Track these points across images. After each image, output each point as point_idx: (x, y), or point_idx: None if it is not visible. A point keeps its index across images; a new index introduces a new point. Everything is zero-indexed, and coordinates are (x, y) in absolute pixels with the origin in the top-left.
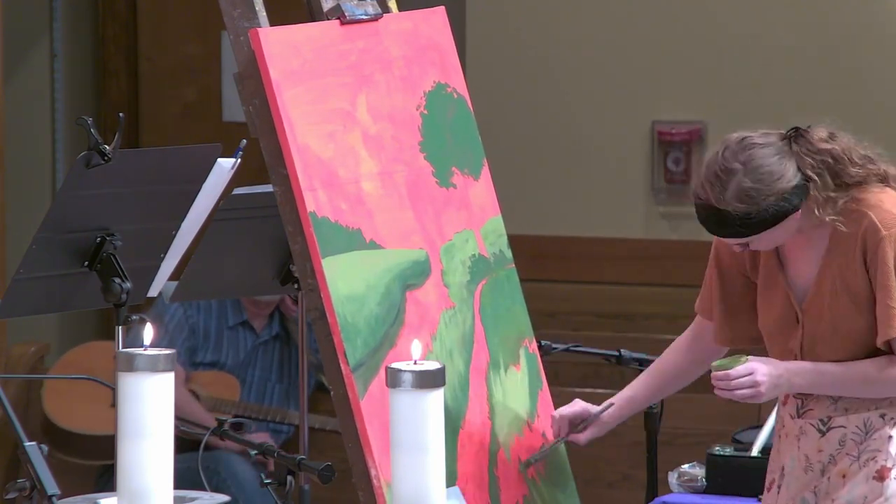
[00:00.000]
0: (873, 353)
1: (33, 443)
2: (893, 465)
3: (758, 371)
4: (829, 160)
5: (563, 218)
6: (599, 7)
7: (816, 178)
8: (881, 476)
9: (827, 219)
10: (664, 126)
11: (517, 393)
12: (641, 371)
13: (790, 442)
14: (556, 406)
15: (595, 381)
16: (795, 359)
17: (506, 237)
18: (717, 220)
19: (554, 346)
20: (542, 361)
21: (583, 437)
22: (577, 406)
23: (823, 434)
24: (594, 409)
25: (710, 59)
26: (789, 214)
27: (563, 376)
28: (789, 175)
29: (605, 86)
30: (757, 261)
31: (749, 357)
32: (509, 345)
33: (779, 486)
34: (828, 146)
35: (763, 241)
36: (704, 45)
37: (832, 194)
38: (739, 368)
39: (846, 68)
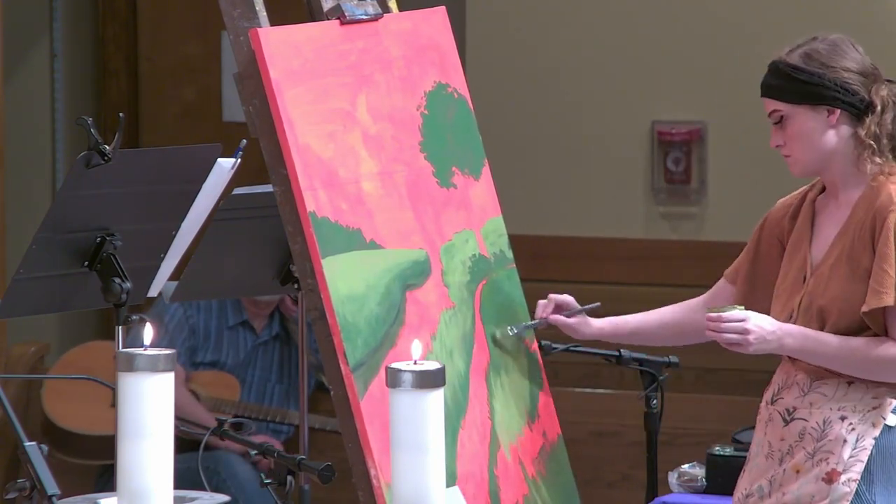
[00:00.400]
0: (859, 327)
1: (33, 443)
2: (844, 470)
3: (750, 320)
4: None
5: (563, 218)
6: (599, 7)
7: (879, 108)
8: (830, 479)
9: (865, 160)
10: (664, 126)
11: (517, 393)
12: (642, 371)
13: (760, 427)
14: (557, 406)
15: (595, 381)
16: (791, 317)
17: (506, 237)
18: (774, 70)
19: (554, 346)
20: (542, 361)
21: (565, 321)
22: (568, 297)
23: (786, 423)
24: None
25: (710, 59)
26: (829, 103)
27: (563, 376)
28: (856, 68)
29: (605, 86)
30: (793, 229)
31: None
32: (509, 345)
33: (744, 472)
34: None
35: (793, 127)
36: (704, 45)
37: (884, 138)
38: (734, 313)
39: None
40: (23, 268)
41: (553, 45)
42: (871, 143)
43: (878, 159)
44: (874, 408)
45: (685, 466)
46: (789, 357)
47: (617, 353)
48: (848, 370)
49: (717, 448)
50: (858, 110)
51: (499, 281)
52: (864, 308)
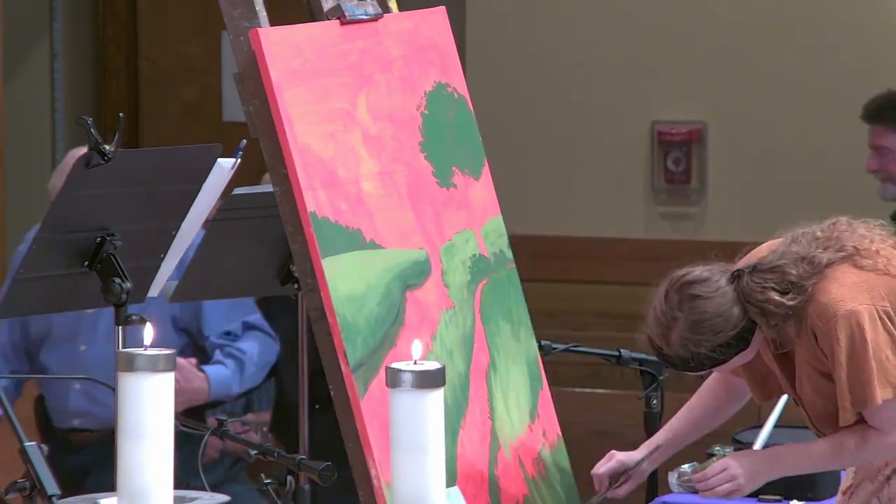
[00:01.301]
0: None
1: (33, 443)
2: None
3: (731, 466)
4: (773, 297)
5: (564, 218)
6: (599, 7)
7: (762, 320)
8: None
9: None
10: (664, 126)
11: (517, 393)
12: (642, 371)
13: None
14: (557, 406)
15: (595, 381)
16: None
17: (506, 237)
18: (667, 362)
19: (554, 346)
20: (542, 361)
21: (622, 491)
22: (614, 461)
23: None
24: (632, 459)
25: (710, 59)
26: (737, 353)
27: (563, 376)
28: (731, 325)
29: (605, 86)
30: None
31: (719, 456)
32: (509, 345)
33: (852, 493)
34: (771, 283)
35: (725, 368)
36: (704, 45)
37: (782, 323)
38: (713, 467)
39: (847, 69)
40: (23, 268)
41: (553, 45)
42: (776, 333)
43: (791, 320)
44: None
45: (685, 466)
46: None
47: (617, 353)
48: (841, 465)
49: (717, 448)
50: (751, 331)
51: (499, 281)
52: (841, 424)
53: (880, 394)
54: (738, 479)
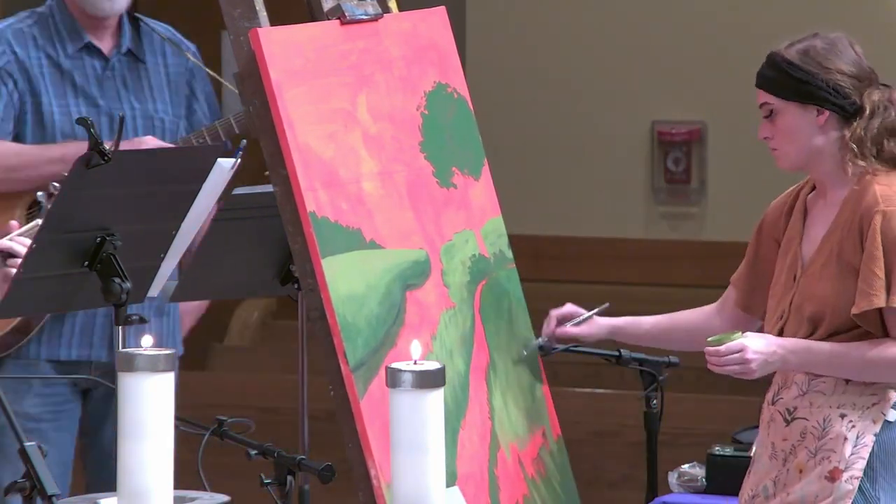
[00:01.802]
0: (847, 326)
1: (33, 443)
2: (846, 468)
3: (748, 349)
4: (892, 114)
5: (563, 218)
6: (599, 7)
7: (868, 113)
8: (833, 477)
9: (848, 162)
10: (664, 126)
11: (517, 393)
12: (642, 371)
13: (763, 428)
14: (557, 406)
15: (595, 381)
16: (783, 318)
17: (506, 237)
18: (770, 62)
19: (554, 346)
20: (542, 361)
21: (573, 331)
22: (568, 308)
23: (788, 423)
24: (584, 311)
25: (710, 59)
26: (820, 103)
27: (562, 376)
28: (851, 71)
29: (605, 86)
30: (787, 227)
31: (744, 333)
32: (509, 345)
33: (750, 473)
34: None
35: (782, 123)
36: (704, 45)
37: (868, 142)
38: (730, 345)
39: None
40: (23, 268)
41: (553, 46)
42: (854, 146)
43: (860, 162)
44: (874, 404)
45: (685, 466)
46: None
47: (617, 353)
48: (852, 375)
49: (717, 448)
50: (848, 113)
51: (499, 281)
52: (855, 310)
53: None
54: (751, 363)
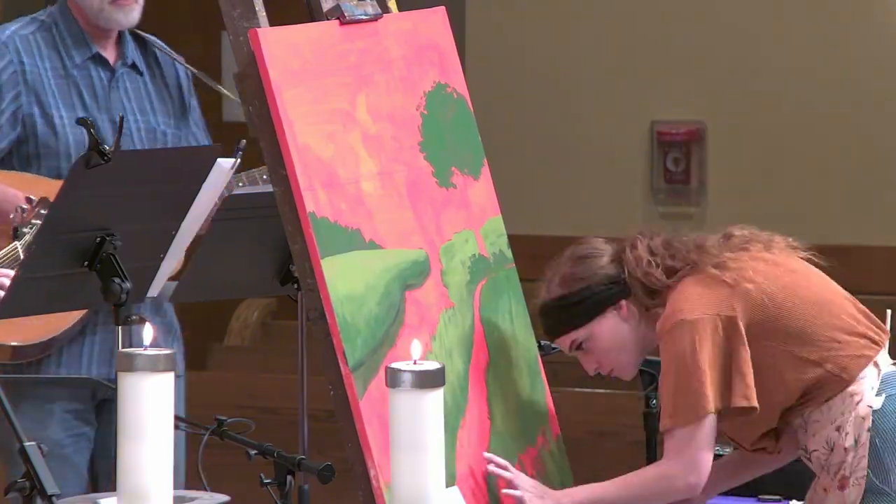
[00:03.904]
0: (773, 419)
1: (33, 443)
2: (850, 474)
3: (525, 485)
4: (642, 255)
5: (563, 218)
6: (599, 7)
7: (630, 272)
8: (842, 485)
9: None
10: (664, 126)
11: (517, 393)
12: (641, 371)
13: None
14: (557, 406)
15: (595, 381)
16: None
17: (506, 237)
18: (548, 313)
19: (554, 346)
20: (542, 361)
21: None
22: None
23: (809, 460)
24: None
25: (710, 59)
26: (606, 305)
27: (563, 376)
28: (604, 262)
29: (605, 86)
30: None
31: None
32: (509, 345)
33: None
34: (638, 253)
35: (597, 343)
36: (704, 45)
37: (649, 302)
38: (500, 464)
39: (847, 67)
40: (23, 268)
41: (553, 46)
42: (646, 297)
43: (654, 300)
44: (857, 402)
45: None
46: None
47: None
48: (632, 500)
49: (717, 448)
50: (630, 288)
51: (498, 281)
52: (662, 429)
53: (664, 422)
54: (526, 493)
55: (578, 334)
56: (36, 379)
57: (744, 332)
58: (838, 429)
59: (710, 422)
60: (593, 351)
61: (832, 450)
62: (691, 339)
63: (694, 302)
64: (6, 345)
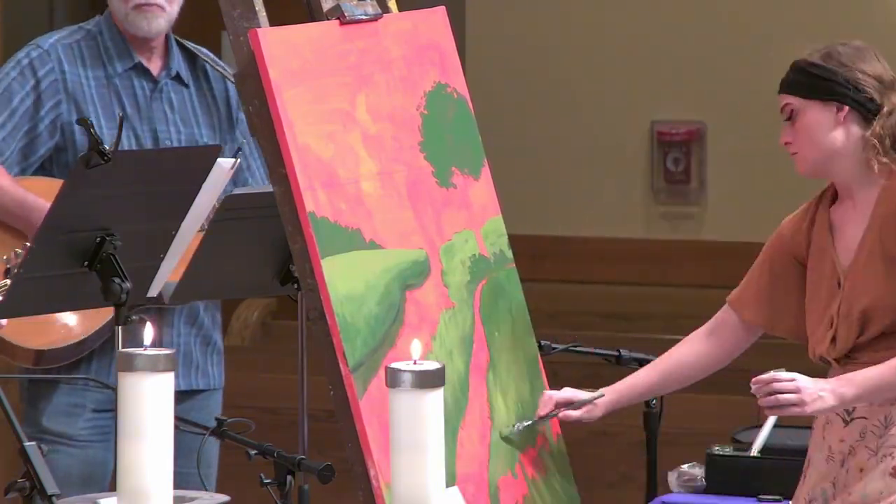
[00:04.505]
0: None
1: (33, 443)
2: None
3: (800, 378)
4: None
5: (563, 218)
6: (599, 8)
7: (887, 112)
8: None
9: (872, 159)
10: (664, 126)
11: (517, 393)
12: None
13: (818, 433)
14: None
15: (595, 381)
16: (832, 326)
17: (506, 237)
18: (792, 68)
19: (554, 346)
20: (542, 361)
21: (575, 414)
22: (567, 392)
23: (847, 423)
24: (583, 393)
25: (710, 59)
26: (840, 99)
27: (563, 376)
28: (872, 72)
29: (605, 86)
30: (812, 241)
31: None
32: (509, 345)
33: (804, 477)
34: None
35: (803, 123)
36: (704, 45)
37: (887, 138)
38: (783, 374)
39: None
40: (23, 268)
41: (553, 46)
42: (875, 142)
43: (883, 158)
44: None
45: (685, 466)
46: (837, 360)
47: (617, 353)
48: None
49: (717, 448)
50: (869, 112)
51: (499, 281)
52: None
53: None
54: (804, 395)
55: (796, 102)
56: (36, 379)
57: None
58: None
59: None
60: (796, 127)
61: (887, 430)
62: None
63: None
64: (29, 348)
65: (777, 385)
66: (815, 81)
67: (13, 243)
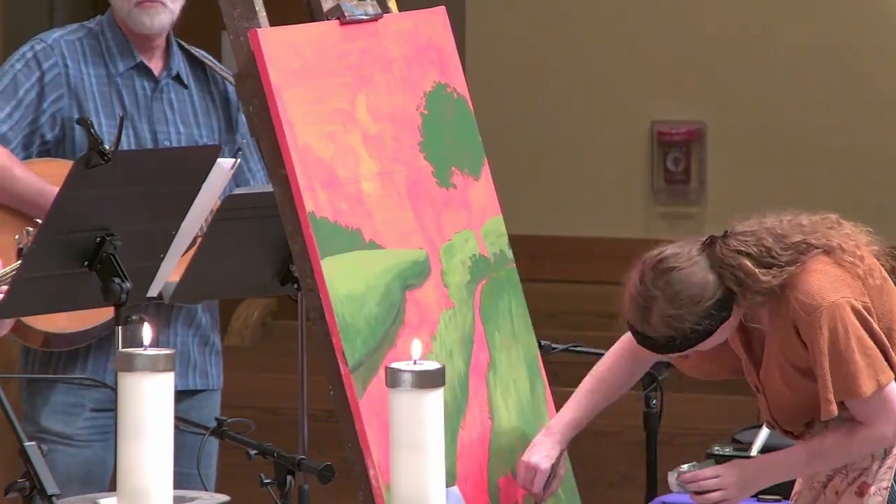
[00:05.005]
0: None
1: (33, 443)
2: (872, 482)
3: (723, 474)
4: (746, 264)
5: (563, 218)
6: (599, 8)
7: (737, 289)
8: (861, 492)
9: (758, 299)
10: (664, 126)
11: (517, 393)
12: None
13: None
14: (557, 406)
15: None
16: (771, 416)
17: (506, 237)
18: (650, 344)
19: (554, 346)
20: (543, 361)
21: (554, 488)
22: (540, 473)
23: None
24: (544, 466)
25: (710, 59)
26: (721, 324)
27: (563, 376)
28: (710, 293)
29: (605, 86)
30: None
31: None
32: (509, 345)
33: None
34: (745, 247)
35: (711, 349)
36: (704, 45)
37: (759, 299)
38: (706, 471)
39: (847, 67)
40: (23, 268)
41: (553, 46)
42: (751, 305)
43: (764, 279)
44: None
45: (684, 466)
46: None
47: None
48: (829, 465)
49: (717, 448)
50: (734, 297)
51: (499, 281)
52: (823, 418)
53: (867, 386)
54: (729, 488)
55: (686, 353)
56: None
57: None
58: None
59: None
60: (700, 353)
61: None
62: (843, 319)
63: (828, 285)
64: (40, 330)
65: (704, 484)
66: (690, 342)
67: (24, 226)
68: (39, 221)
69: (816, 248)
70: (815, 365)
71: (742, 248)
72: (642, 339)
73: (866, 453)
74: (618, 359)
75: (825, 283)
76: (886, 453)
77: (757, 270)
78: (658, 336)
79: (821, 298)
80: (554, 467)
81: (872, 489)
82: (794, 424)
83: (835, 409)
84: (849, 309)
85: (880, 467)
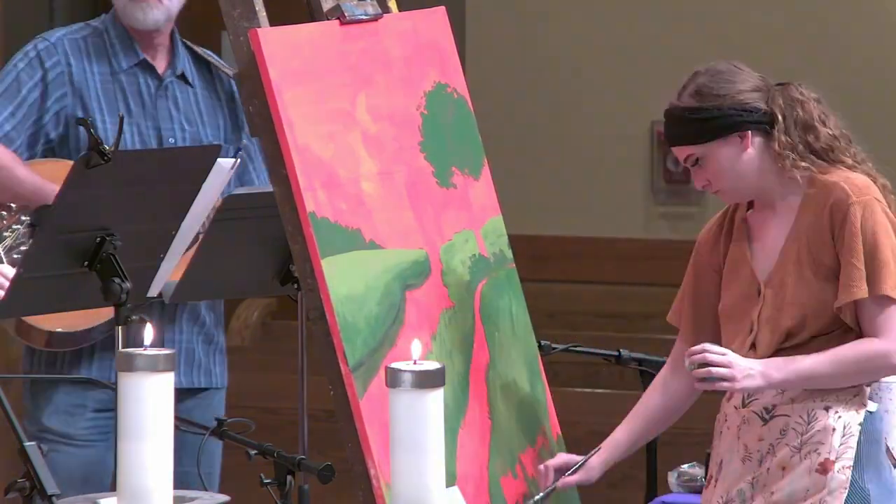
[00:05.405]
0: (829, 326)
1: (33, 443)
2: (836, 458)
3: (731, 354)
4: (800, 112)
5: (563, 218)
6: (599, 8)
7: (781, 118)
8: (824, 469)
9: (791, 169)
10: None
11: (517, 393)
12: (641, 371)
13: (731, 434)
14: (557, 406)
15: (595, 381)
16: (752, 331)
17: (506, 237)
18: (673, 120)
19: (554, 346)
20: (542, 361)
21: (573, 479)
22: (561, 458)
23: (766, 422)
24: (578, 458)
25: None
26: (738, 129)
27: (563, 376)
28: (748, 86)
29: (604, 86)
30: (728, 250)
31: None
32: (509, 344)
33: (716, 481)
34: (803, 98)
35: (713, 164)
36: (704, 45)
37: (798, 143)
38: (714, 346)
39: (847, 67)
40: (23, 268)
41: (552, 46)
42: (789, 153)
43: (803, 164)
44: (855, 395)
45: (685, 466)
46: None
47: (617, 353)
48: (839, 383)
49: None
50: (766, 125)
51: (498, 281)
52: (837, 303)
53: (892, 286)
54: (734, 370)
55: (696, 150)
56: (36, 378)
57: None
58: (828, 408)
59: None
60: (707, 170)
61: (811, 426)
62: (888, 215)
63: (875, 191)
64: (42, 329)
65: (709, 357)
66: (704, 125)
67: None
68: (13, 206)
69: (860, 164)
70: (846, 251)
71: (822, 112)
72: (672, 115)
73: (875, 372)
74: (655, 383)
75: (874, 187)
76: (845, 430)
77: (821, 128)
78: (685, 105)
79: (869, 192)
80: (588, 458)
81: (836, 466)
82: (778, 332)
83: (860, 292)
84: (892, 215)
85: (841, 444)
